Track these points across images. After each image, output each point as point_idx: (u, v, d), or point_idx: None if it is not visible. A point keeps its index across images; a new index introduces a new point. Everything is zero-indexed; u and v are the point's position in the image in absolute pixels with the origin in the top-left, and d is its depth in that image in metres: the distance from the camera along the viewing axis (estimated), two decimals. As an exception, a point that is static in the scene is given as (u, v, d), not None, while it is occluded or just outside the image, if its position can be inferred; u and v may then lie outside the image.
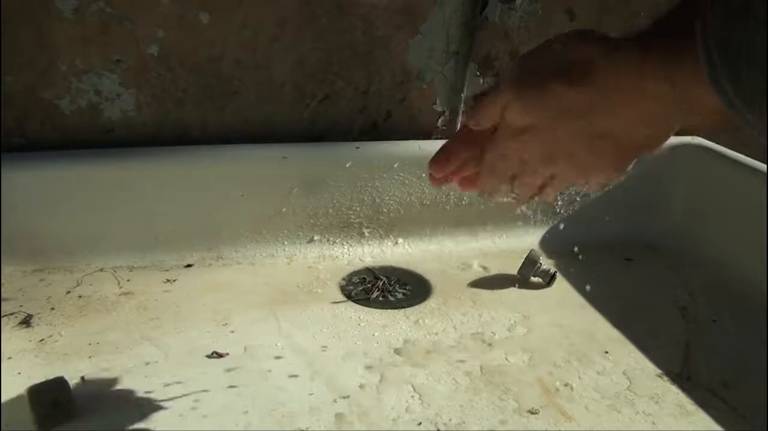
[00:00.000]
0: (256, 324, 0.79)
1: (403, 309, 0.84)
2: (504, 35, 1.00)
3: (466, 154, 0.51)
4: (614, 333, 0.82)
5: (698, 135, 1.08)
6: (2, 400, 0.62)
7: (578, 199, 1.05)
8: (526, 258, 0.92)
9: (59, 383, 0.61)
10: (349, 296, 0.86)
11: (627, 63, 0.38)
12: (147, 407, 0.63)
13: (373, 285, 0.89)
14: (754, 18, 0.29)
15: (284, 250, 0.96)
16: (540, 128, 0.43)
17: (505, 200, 0.52)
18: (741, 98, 0.31)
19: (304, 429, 0.62)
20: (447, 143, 0.52)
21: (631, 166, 0.44)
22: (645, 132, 0.41)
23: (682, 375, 0.74)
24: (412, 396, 0.68)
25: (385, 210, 0.99)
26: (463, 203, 1.01)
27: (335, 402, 0.66)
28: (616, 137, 0.41)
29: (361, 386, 0.69)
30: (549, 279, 0.91)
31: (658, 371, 0.75)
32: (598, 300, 0.88)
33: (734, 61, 0.30)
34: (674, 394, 0.71)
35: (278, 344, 0.75)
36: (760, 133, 0.31)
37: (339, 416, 0.64)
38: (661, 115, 0.39)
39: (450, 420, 0.65)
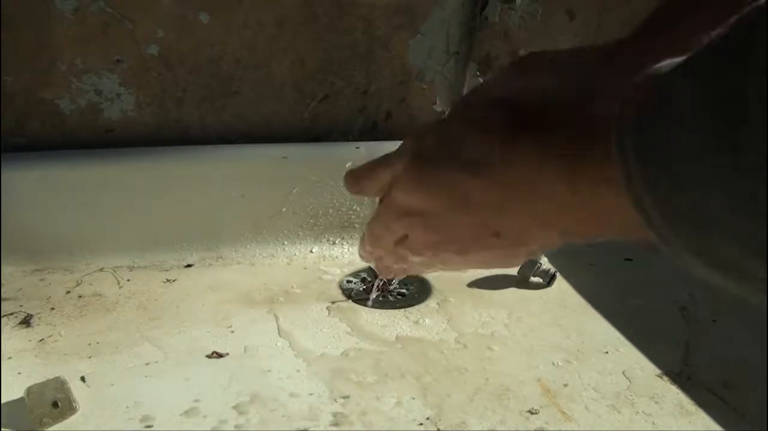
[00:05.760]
0: (256, 323, 0.79)
1: (403, 309, 0.84)
2: (504, 35, 1.00)
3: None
4: (614, 333, 0.82)
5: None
6: (2, 400, 0.62)
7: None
8: (526, 258, 0.92)
9: (59, 383, 0.61)
10: (349, 296, 0.86)
11: (524, 158, 0.32)
12: (147, 407, 0.63)
13: (373, 285, 0.89)
14: (678, 119, 0.22)
15: (284, 250, 0.96)
16: (428, 215, 0.38)
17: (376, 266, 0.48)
18: (662, 216, 0.24)
19: (304, 429, 0.62)
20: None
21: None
22: (541, 237, 0.36)
23: (682, 375, 0.74)
24: (413, 397, 0.68)
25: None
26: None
27: (335, 402, 0.66)
28: (511, 238, 0.36)
29: (361, 386, 0.69)
30: (549, 279, 0.91)
31: (658, 371, 0.75)
32: (598, 300, 0.88)
33: (656, 174, 0.23)
34: (674, 394, 0.71)
35: (278, 344, 0.75)
36: (682, 258, 0.24)
37: (339, 416, 0.64)
38: (560, 223, 0.33)
39: (450, 420, 0.65)
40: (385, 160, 0.41)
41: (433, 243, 0.40)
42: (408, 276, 0.92)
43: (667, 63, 0.25)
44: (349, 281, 0.90)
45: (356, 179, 0.43)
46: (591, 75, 0.36)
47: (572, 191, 0.30)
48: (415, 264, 0.45)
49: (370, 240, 0.45)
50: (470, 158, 0.34)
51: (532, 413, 0.67)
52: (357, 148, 0.96)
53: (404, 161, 0.38)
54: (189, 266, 0.91)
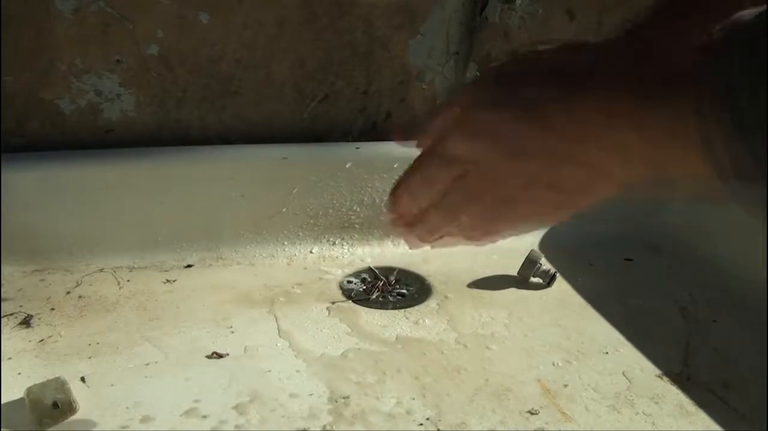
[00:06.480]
0: (256, 323, 0.79)
1: (403, 309, 0.84)
2: (504, 35, 1.00)
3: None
4: (614, 333, 0.82)
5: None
6: (2, 400, 0.62)
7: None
8: (526, 258, 0.92)
9: (59, 383, 0.61)
10: (349, 297, 0.86)
11: (591, 107, 0.31)
12: (147, 407, 0.63)
13: (373, 285, 0.89)
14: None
15: (284, 250, 0.96)
16: (481, 162, 0.37)
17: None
18: (735, 168, 0.25)
19: (304, 429, 0.62)
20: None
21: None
22: (598, 189, 0.35)
23: (682, 375, 0.74)
24: (412, 397, 0.68)
25: (386, 210, 0.98)
26: (463, 203, 1.01)
27: (335, 402, 0.66)
28: (565, 190, 0.36)
29: (361, 386, 0.69)
30: (549, 279, 0.91)
31: (658, 371, 0.75)
32: (598, 300, 0.88)
33: (735, 126, 0.24)
34: (674, 394, 0.71)
35: (278, 344, 0.75)
36: (750, 209, 0.26)
37: (339, 416, 0.64)
38: (621, 174, 0.33)
39: (450, 420, 0.65)
40: (438, 108, 0.40)
41: (481, 192, 0.38)
42: (407, 276, 0.93)
43: (749, 12, 0.25)
44: (349, 282, 0.90)
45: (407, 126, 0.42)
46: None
47: (642, 139, 0.29)
48: (452, 228, 0.43)
49: (408, 195, 0.43)
50: (532, 105, 0.33)
51: (532, 413, 0.67)
52: (357, 148, 0.96)
53: (459, 108, 0.37)
54: (189, 266, 0.91)
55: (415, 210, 0.45)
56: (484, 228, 0.43)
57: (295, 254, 0.96)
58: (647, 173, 0.32)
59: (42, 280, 0.84)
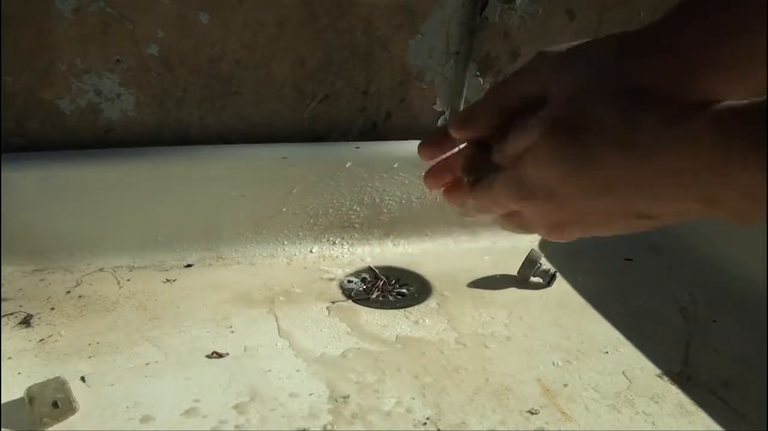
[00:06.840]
0: (256, 323, 0.79)
1: (403, 309, 0.84)
2: (504, 35, 1.00)
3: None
4: (614, 333, 0.82)
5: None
6: (2, 400, 0.62)
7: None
8: (526, 258, 0.92)
9: (59, 383, 0.61)
10: (349, 296, 0.86)
11: (699, 137, 0.28)
12: (147, 407, 0.63)
13: (373, 285, 0.89)
14: None
15: (284, 250, 0.96)
16: (558, 194, 0.33)
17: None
18: None
19: (304, 429, 0.62)
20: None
21: None
22: (694, 216, 0.31)
23: (682, 375, 0.74)
24: (412, 397, 0.68)
25: (385, 210, 0.99)
26: (463, 203, 1.01)
27: (335, 401, 0.66)
28: (658, 218, 0.32)
29: (361, 386, 0.69)
30: (549, 279, 0.91)
31: (658, 371, 0.75)
32: (598, 300, 0.88)
33: None
34: (674, 394, 0.71)
35: (278, 344, 0.75)
36: None
37: (339, 416, 0.64)
38: (728, 206, 0.29)
39: (450, 420, 0.65)
40: (520, 126, 0.34)
41: (555, 224, 0.35)
42: (407, 276, 0.93)
43: None
44: (349, 281, 0.90)
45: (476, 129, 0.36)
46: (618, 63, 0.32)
47: (752, 171, 0.26)
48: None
49: (475, 206, 0.39)
50: (627, 135, 0.30)
51: (532, 413, 0.67)
52: (357, 148, 0.96)
53: (539, 131, 0.33)
54: (189, 266, 0.91)
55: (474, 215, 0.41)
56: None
57: (295, 254, 0.96)
58: (746, 208, 0.28)
59: (42, 280, 0.84)
